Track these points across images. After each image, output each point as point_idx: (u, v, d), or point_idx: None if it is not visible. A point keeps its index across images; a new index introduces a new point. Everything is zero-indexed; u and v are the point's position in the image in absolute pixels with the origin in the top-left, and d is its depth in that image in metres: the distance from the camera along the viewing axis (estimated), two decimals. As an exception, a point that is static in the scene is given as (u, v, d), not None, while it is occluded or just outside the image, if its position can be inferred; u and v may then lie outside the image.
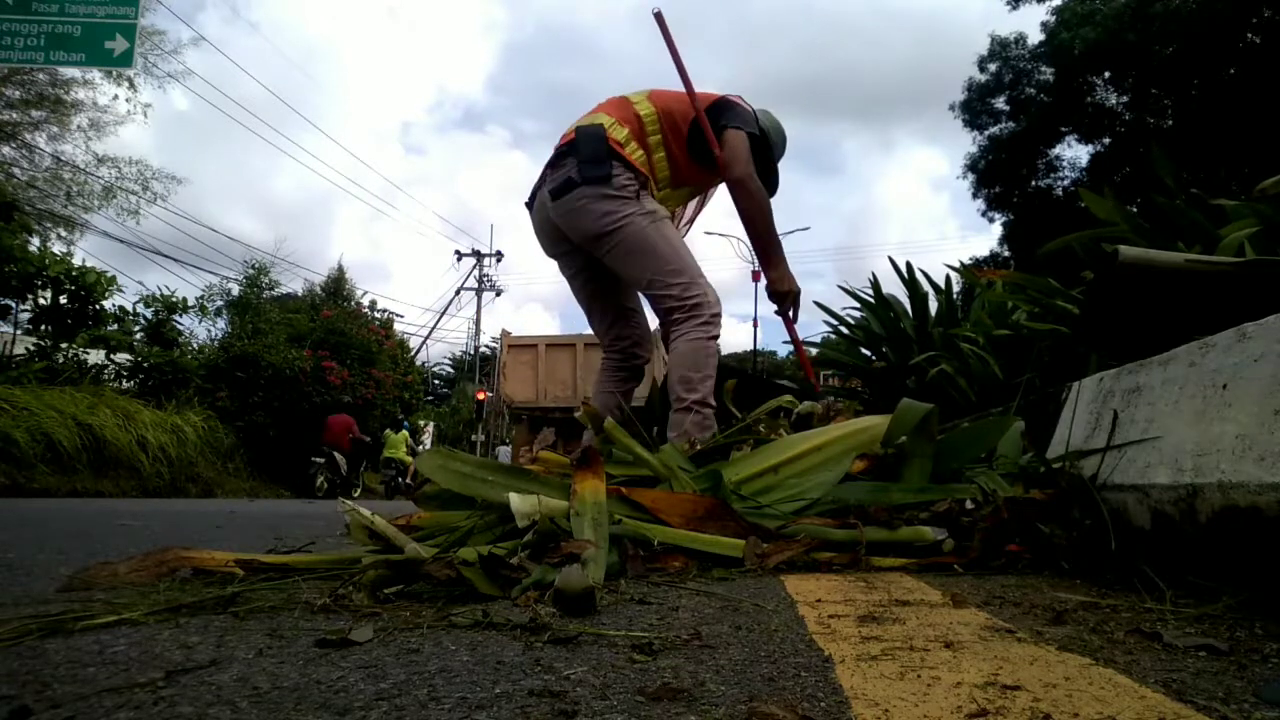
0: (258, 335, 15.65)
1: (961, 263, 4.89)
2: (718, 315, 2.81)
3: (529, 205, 3.04)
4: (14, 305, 12.16)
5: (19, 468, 8.84)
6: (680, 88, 3.00)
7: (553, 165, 2.90)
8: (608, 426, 2.05)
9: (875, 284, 4.41)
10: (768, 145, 3.10)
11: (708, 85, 3.04)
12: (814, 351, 5.31)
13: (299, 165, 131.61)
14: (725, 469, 1.89)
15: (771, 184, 3.17)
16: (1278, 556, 1.03)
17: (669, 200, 2.99)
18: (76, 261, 12.76)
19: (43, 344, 11.98)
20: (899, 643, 0.91)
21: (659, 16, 3.02)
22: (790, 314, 3.22)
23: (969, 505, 1.68)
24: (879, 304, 4.30)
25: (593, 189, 2.77)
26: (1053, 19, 17.82)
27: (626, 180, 2.78)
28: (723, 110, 2.94)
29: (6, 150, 15.96)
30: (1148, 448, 1.36)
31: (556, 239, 2.97)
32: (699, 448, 2.23)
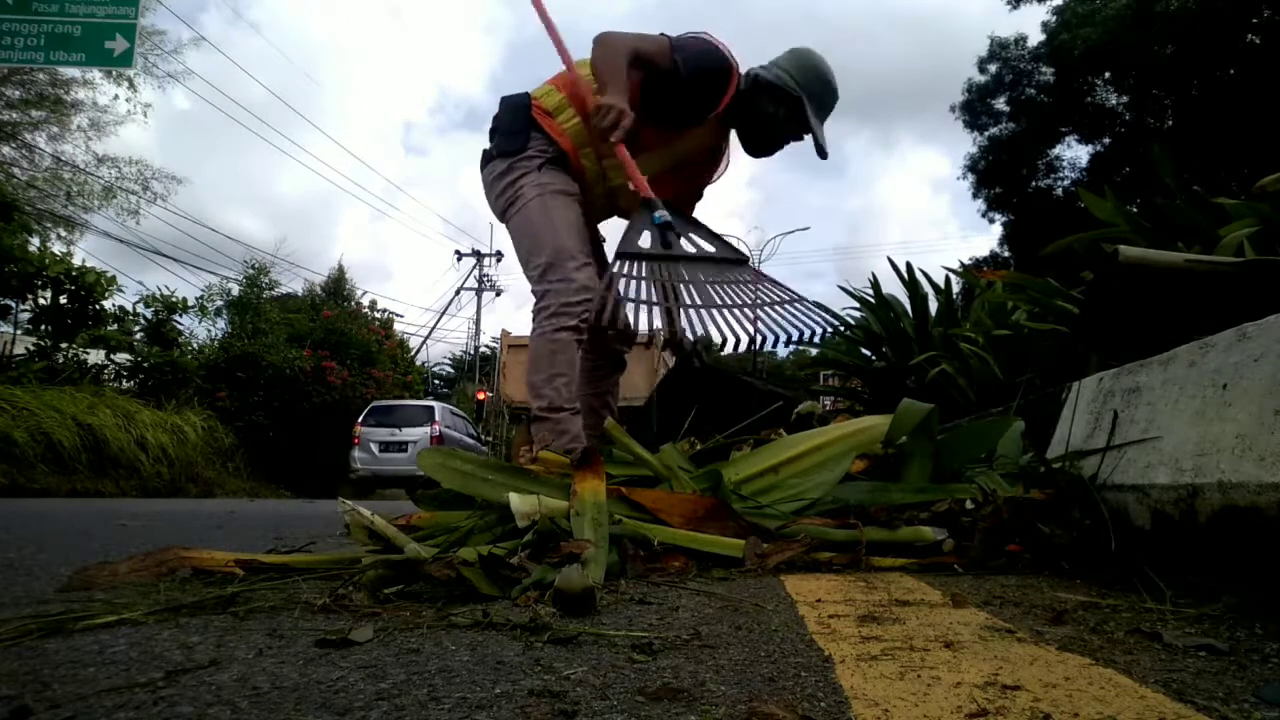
0: (258, 335, 15.66)
1: (961, 263, 4.89)
2: (572, 305, 2.46)
3: None
4: (14, 305, 12.16)
5: (19, 468, 8.85)
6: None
7: (489, 137, 2.74)
8: (608, 426, 2.05)
9: (875, 284, 4.41)
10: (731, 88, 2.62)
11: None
12: (814, 352, 5.31)
13: (300, 165, 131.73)
14: (725, 469, 1.89)
15: (819, 143, 2.70)
16: (1278, 556, 1.03)
17: (618, 169, 2.60)
18: (76, 261, 12.77)
19: (43, 344, 11.98)
20: (899, 643, 0.91)
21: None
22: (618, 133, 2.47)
23: (969, 505, 1.68)
24: (879, 304, 4.30)
25: (502, 163, 2.61)
26: (1053, 19, 17.83)
27: (536, 152, 2.58)
28: (674, 42, 2.62)
29: (6, 150, 15.98)
30: (1148, 448, 1.36)
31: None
32: (570, 457, 1.92)
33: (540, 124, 2.62)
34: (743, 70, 2.74)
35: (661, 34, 2.65)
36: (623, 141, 2.46)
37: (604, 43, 2.53)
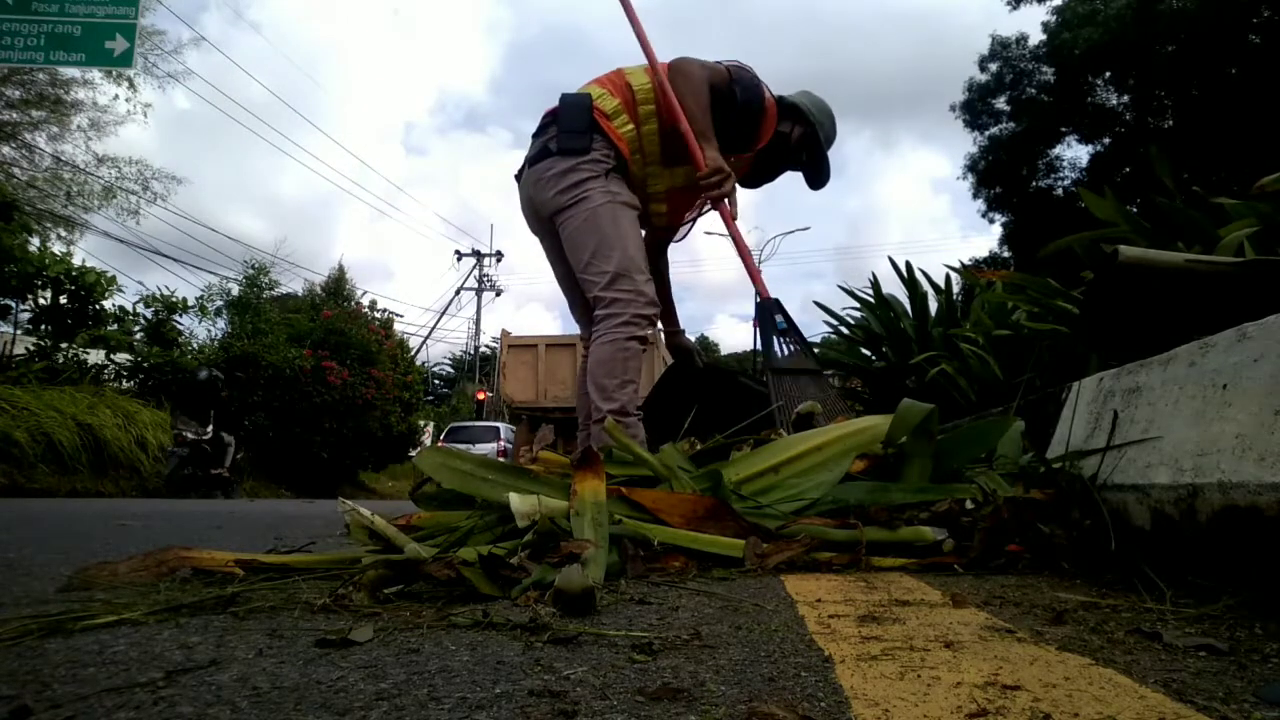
0: (258, 335, 15.66)
1: (961, 263, 4.89)
2: (642, 317, 2.57)
3: (518, 178, 2.91)
4: (14, 305, 12.16)
5: (19, 468, 8.85)
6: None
7: (536, 134, 2.79)
8: (608, 426, 2.05)
9: (875, 284, 4.41)
10: (802, 117, 2.88)
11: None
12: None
13: (300, 166, 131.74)
14: (725, 469, 1.89)
15: (822, 173, 2.96)
16: (1278, 556, 1.03)
17: (659, 178, 2.78)
18: (76, 261, 12.78)
19: (43, 344, 11.98)
20: (899, 643, 0.91)
21: None
22: (729, 208, 2.75)
23: (969, 505, 1.68)
24: (879, 304, 4.31)
25: (565, 161, 2.64)
26: (1054, 19, 17.83)
27: (601, 156, 2.64)
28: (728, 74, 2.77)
29: (6, 150, 15.98)
30: (1148, 448, 1.36)
31: (535, 214, 2.83)
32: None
33: (602, 126, 2.66)
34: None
35: (717, 63, 2.79)
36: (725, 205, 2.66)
37: (685, 74, 2.62)
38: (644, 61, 2.84)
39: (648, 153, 2.73)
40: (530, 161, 2.74)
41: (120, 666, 0.81)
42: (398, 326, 22.03)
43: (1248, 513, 1.07)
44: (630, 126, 2.69)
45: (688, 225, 3.19)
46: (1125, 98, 18.37)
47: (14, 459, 8.83)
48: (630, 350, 2.53)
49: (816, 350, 5.23)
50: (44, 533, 2.81)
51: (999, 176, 19.69)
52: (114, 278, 12.80)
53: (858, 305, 4.52)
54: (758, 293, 2.85)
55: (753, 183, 3.05)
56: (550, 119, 2.74)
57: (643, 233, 2.76)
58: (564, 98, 2.74)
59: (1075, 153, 20.97)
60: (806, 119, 2.87)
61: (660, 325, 3.00)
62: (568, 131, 2.66)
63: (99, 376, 12.28)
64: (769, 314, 2.79)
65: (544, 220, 2.76)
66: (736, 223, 2.79)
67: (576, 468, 1.64)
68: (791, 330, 2.80)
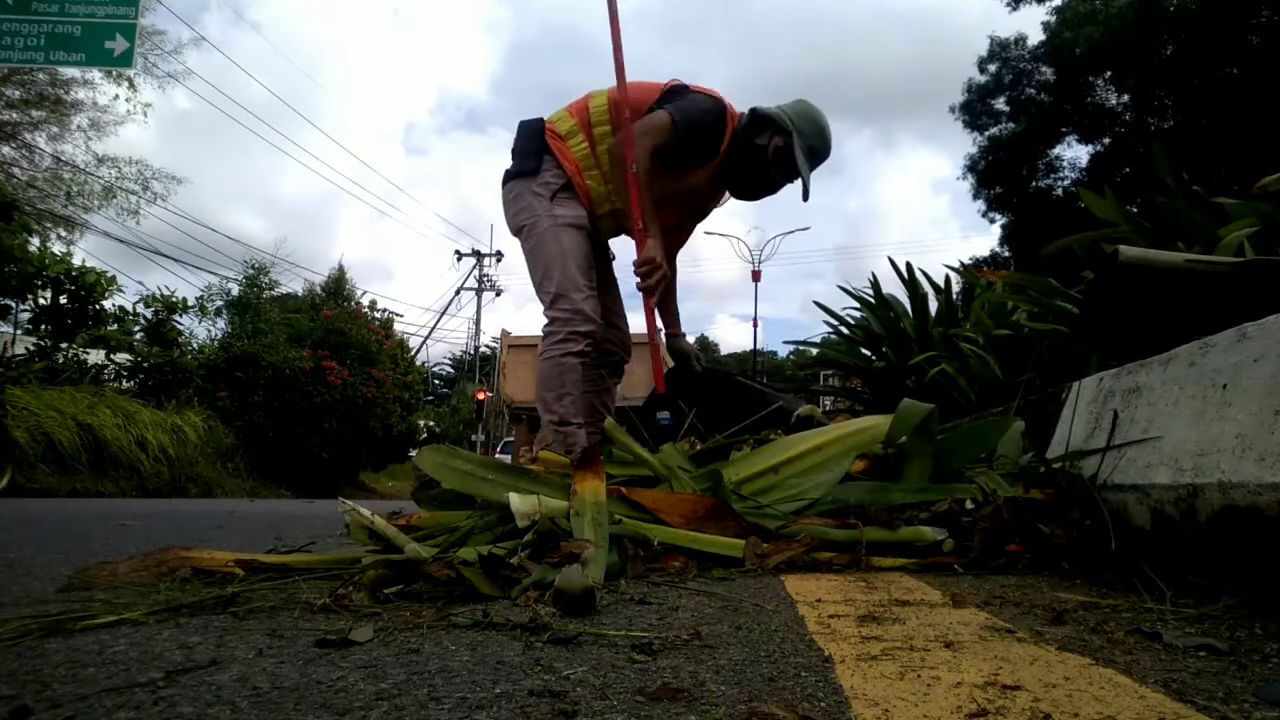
0: (258, 335, 15.64)
1: (961, 263, 4.89)
2: (578, 334, 2.69)
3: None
4: (14, 305, 12.16)
5: (19, 468, 8.84)
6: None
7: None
8: (608, 426, 2.05)
9: (875, 284, 4.41)
10: (784, 133, 2.80)
11: (706, 84, 2.96)
12: (814, 352, 5.31)
13: (300, 166, 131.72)
14: (725, 469, 1.89)
15: (803, 187, 2.88)
16: (1278, 556, 1.03)
17: (621, 195, 2.76)
18: (76, 261, 12.76)
19: (43, 344, 11.97)
20: (899, 643, 0.91)
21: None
22: (654, 295, 2.77)
23: (969, 505, 1.68)
24: (879, 304, 4.30)
25: (520, 182, 2.81)
26: (1053, 19, 17.83)
27: (550, 178, 2.78)
28: (671, 94, 2.79)
29: (6, 150, 15.97)
30: (1148, 448, 1.36)
31: None
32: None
33: (551, 147, 2.80)
34: (741, 110, 2.90)
35: (654, 87, 2.83)
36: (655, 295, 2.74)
37: (636, 154, 2.67)
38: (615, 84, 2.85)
39: (606, 170, 2.81)
40: (501, 184, 2.94)
41: (120, 666, 0.81)
42: (398, 326, 22.04)
43: (1248, 513, 1.07)
44: (585, 145, 2.80)
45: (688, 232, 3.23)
46: (1125, 97, 18.36)
47: (14, 459, 8.82)
48: (566, 365, 2.70)
49: (816, 351, 5.24)
50: (44, 533, 2.81)
51: (999, 177, 19.68)
52: (114, 278, 12.79)
53: (858, 305, 4.52)
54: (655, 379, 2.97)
55: (748, 194, 3.02)
56: (512, 145, 2.93)
57: (588, 246, 2.82)
58: (521, 124, 2.93)
59: (1075, 153, 20.97)
60: (783, 128, 2.81)
61: (661, 326, 3.01)
62: (519, 154, 2.86)
63: (99, 376, 12.26)
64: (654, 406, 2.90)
65: (514, 236, 2.94)
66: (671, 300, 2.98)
67: (576, 468, 1.64)
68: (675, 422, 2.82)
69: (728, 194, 3.10)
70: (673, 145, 2.72)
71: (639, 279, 2.74)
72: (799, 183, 2.89)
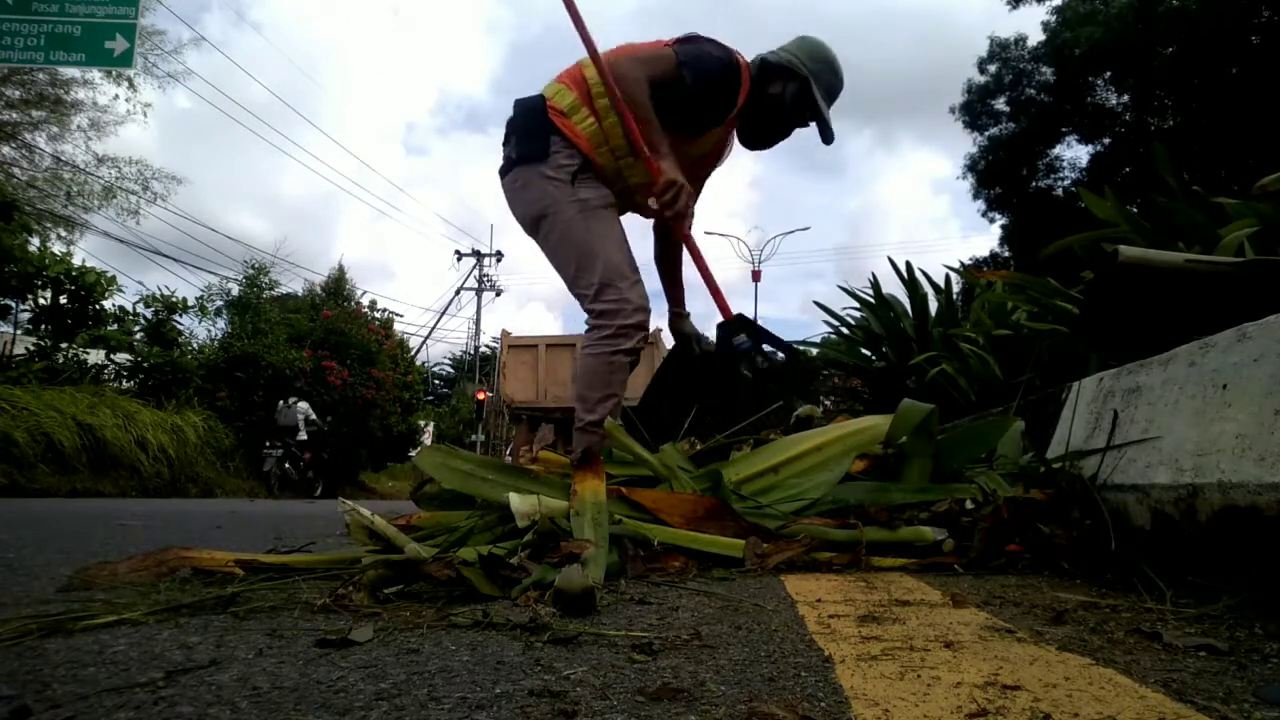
0: (258, 335, 15.64)
1: (961, 263, 4.88)
2: (630, 327, 2.46)
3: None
4: (14, 305, 12.16)
5: (19, 468, 8.84)
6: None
7: (503, 144, 2.70)
8: (608, 426, 2.05)
9: (875, 284, 4.41)
10: (799, 81, 2.64)
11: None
12: (814, 352, 5.31)
13: (301, 166, 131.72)
14: (725, 469, 1.89)
15: (824, 129, 2.69)
16: (1278, 556, 1.03)
17: (634, 169, 2.59)
18: (76, 261, 12.77)
19: (43, 344, 11.97)
20: (899, 643, 0.91)
21: None
22: (685, 219, 2.59)
23: (969, 505, 1.68)
24: (879, 304, 4.31)
25: (528, 169, 2.54)
26: (1053, 19, 17.83)
27: (565, 160, 2.51)
28: (683, 41, 2.61)
29: (6, 150, 15.96)
30: (1148, 448, 1.36)
31: (519, 223, 2.74)
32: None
33: (558, 126, 2.54)
34: (748, 58, 2.70)
35: (661, 43, 2.63)
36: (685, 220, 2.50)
37: (621, 79, 2.47)
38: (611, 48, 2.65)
39: (615, 146, 2.56)
40: (501, 173, 2.68)
41: (120, 666, 0.81)
42: (398, 326, 22.02)
43: (1248, 513, 1.07)
44: (590, 120, 2.54)
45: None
46: (1125, 98, 18.36)
47: (14, 459, 8.83)
48: (616, 364, 2.47)
49: (815, 351, 5.24)
50: (44, 533, 2.81)
51: (999, 177, 19.68)
52: (114, 278, 12.81)
53: (858, 305, 4.52)
54: (721, 311, 2.74)
55: (762, 143, 2.82)
56: (509, 124, 2.66)
57: (622, 227, 2.62)
58: (517, 102, 2.65)
59: (1075, 153, 20.95)
60: (798, 74, 2.65)
61: (668, 304, 2.90)
62: (524, 136, 2.58)
63: (99, 376, 12.27)
64: (729, 335, 2.70)
65: (527, 230, 2.71)
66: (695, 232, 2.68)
67: (576, 468, 1.64)
68: (760, 341, 2.70)
69: (734, 141, 2.84)
70: (678, 92, 2.49)
71: (663, 208, 2.47)
72: (814, 126, 2.73)
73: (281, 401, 14.14)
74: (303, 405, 14.33)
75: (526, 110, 2.60)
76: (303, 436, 13.89)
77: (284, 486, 13.25)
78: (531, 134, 2.55)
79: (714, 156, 2.87)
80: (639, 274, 2.57)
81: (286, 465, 13.47)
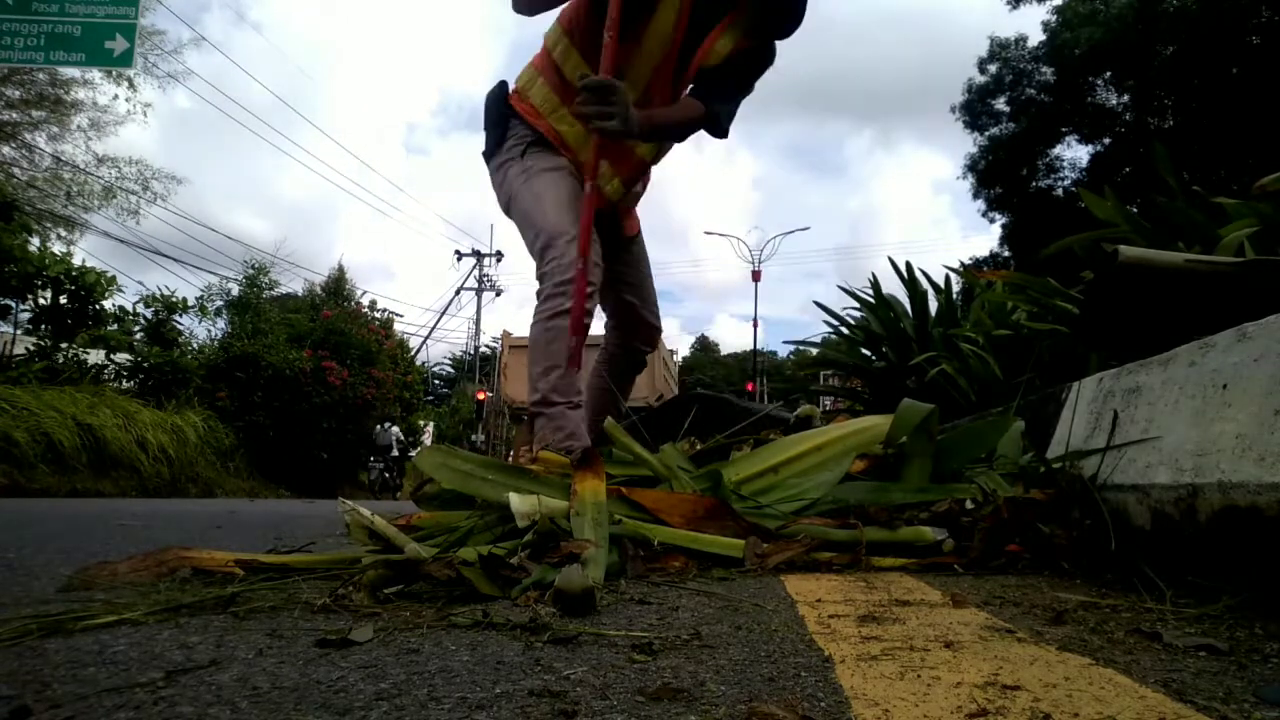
0: (258, 335, 15.65)
1: (961, 263, 4.89)
2: (564, 283, 2.26)
3: None
4: (14, 305, 12.16)
5: (19, 468, 8.84)
6: None
7: None
8: (608, 426, 2.05)
9: (875, 284, 4.42)
10: None
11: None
12: (814, 352, 5.31)
13: (301, 166, 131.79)
14: (725, 469, 1.89)
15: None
16: (1278, 556, 1.03)
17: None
18: (76, 261, 12.76)
19: (43, 344, 11.97)
20: (899, 643, 0.91)
21: None
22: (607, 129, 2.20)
23: (969, 505, 1.68)
24: (879, 304, 4.31)
25: (493, 160, 2.60)
26: (1054, 19, 17.84)
27: (516, 141, 2.53)
28: None
29: (6, 150, 15.96)
30: (1148, 448, 1.36)
31: None
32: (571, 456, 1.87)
33: (516, 109, 2.54)
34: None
35: None
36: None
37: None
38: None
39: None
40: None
41: (120, 666, 0.81)
42: (398, 326, 22.03)
43: (1248, 513, 1.07)
44: (545, 86, 2.48)
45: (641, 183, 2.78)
46: (1125, 98, 18.37)
47: (14, 459, 8.83)
48: (553, 330, 2.30)
49: (816, 351, 5.24)
50: (44, 533, 2.81)
51: (999, 177, 19.70)
52: (114, 278, 12.80)
53: (858, 305, 4.53)
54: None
55: (776, 29, 2.47)
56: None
57: (571, 186, 2.43)
58: (485, 97, 2.66)
59: (1075, 153, 20.99)
60: None
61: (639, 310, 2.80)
62: (488, 128, 2.62)
63: (99, 376, 12.27)
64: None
65: (514, 222, 2.65)
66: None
67: (576, 468, 1.64)
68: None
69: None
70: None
71: (580, 103, 2.17)
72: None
73: (379, 426, 17.39)
74: (394, 429, 17.85)
75: (489, 101, 2.63)
76: (395, 454, 17.65)
77: (382, 489, 17.19)
78: (492, 124, 2.59)
79: (680, 32, 2.38)
80: (589, 235, 2.29)
81: (386, 475, 17.49)
